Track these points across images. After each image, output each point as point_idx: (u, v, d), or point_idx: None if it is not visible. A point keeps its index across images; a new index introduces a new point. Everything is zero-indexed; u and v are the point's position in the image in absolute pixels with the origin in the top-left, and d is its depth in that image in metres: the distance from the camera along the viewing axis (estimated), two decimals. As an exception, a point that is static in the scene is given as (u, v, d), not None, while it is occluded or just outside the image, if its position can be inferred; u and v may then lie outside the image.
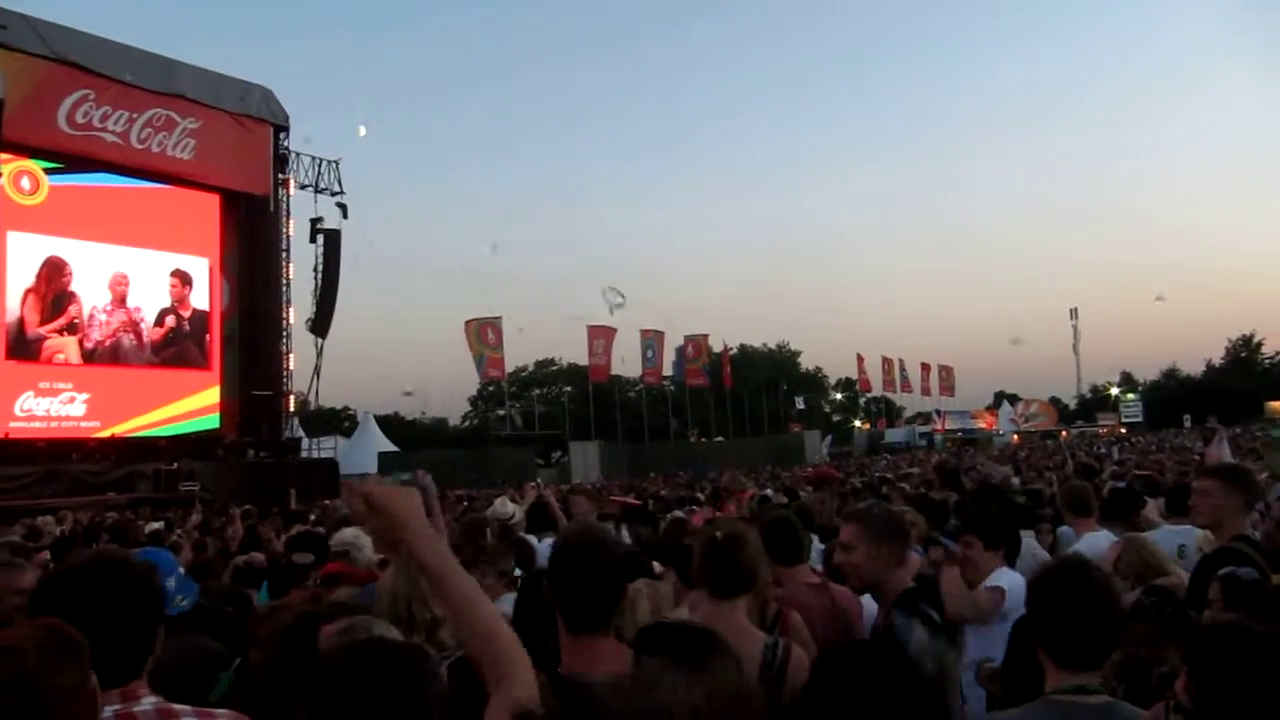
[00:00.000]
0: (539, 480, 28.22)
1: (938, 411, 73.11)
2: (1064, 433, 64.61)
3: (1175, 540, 4.70)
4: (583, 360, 45.19)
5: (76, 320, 24.23)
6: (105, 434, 23.95)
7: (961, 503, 6.63)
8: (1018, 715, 2.17)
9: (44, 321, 23.62)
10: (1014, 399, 79.03)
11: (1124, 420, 70.15)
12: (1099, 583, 2.21)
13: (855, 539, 3.06)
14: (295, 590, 4.52)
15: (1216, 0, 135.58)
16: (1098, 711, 2.07)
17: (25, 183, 23.42)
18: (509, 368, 44.87)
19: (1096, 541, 4.85)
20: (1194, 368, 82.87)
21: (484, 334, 37.02)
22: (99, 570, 1.93)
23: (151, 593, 1.97)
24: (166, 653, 1.99)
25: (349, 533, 4.30)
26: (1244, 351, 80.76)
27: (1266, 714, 1.56)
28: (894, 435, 68.49)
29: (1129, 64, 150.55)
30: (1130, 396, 76.16)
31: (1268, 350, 79.79)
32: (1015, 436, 64.33)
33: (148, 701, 1.83)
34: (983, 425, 75.53)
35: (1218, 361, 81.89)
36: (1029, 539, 5.26)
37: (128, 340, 25.30)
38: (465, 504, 13.70)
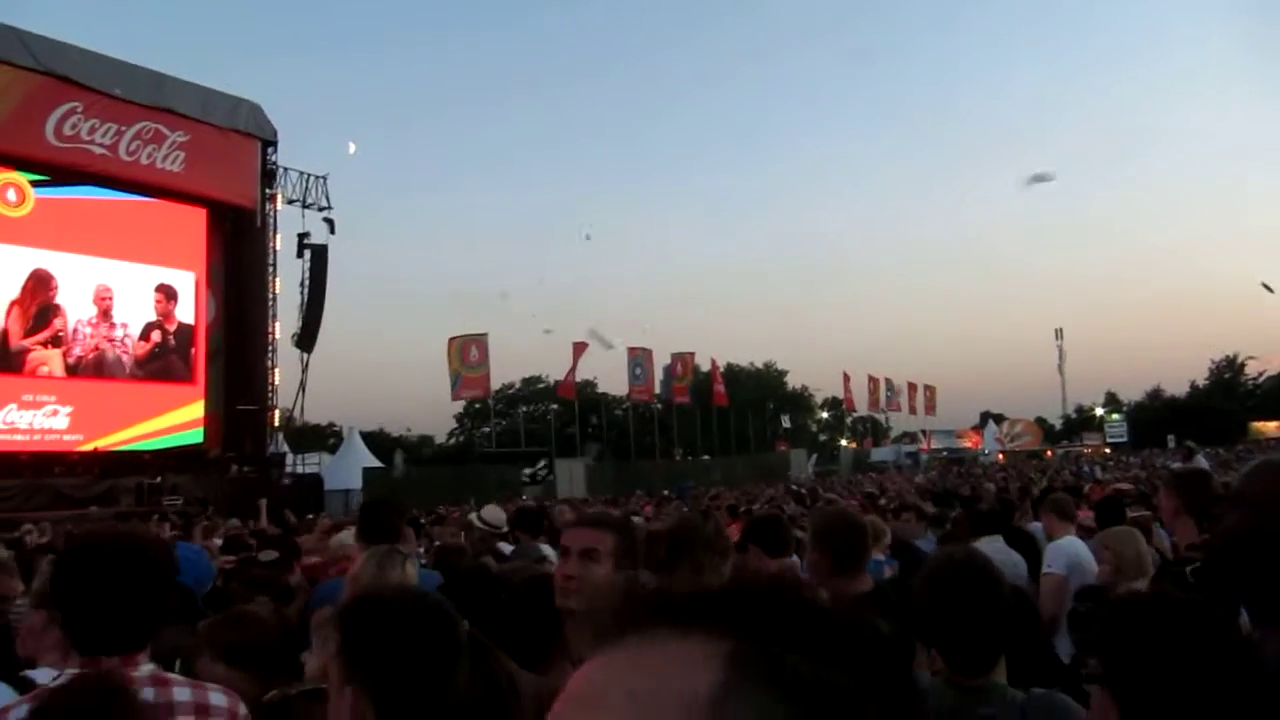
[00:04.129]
0: (525, 496, 28.28)
1: (923, 431, 73.35)
2: (1049, 452, 64.96)
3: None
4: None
5: (61, 333, 24.04)
6: (88, 447, 23.79)
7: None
8: None
9: (28, 334, 23.43)
10: (999, 419, 79.41)
11: (1109, 440, 70.54)
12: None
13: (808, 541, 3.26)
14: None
15: (1200, 25, 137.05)
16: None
17: (11, 195, 23.28)
18: (495, 385, 44.66)
19: (1073, 543, 5.06)
20: (1179, 389, 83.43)
21: (466, 351, 36.79)
22: (118, 539, 2.00)
23: (167, 565, 2.01)
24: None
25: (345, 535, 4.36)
26: (1228, 373, 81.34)
27: (1167, 671, 1.59)
28: (880, 454, 68.61)
29: (1113, 84, 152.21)
30: (1115, 417, 76.64)
31: (1251, 371, 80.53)
32: (1000, 456, 64.58)
33: (145, 668, 1.89)
34: (968, 445, 75.84)
35: (1202, 383, 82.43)
36: (996, 542, 5.32)
37: (112, 354, 25.14)
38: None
